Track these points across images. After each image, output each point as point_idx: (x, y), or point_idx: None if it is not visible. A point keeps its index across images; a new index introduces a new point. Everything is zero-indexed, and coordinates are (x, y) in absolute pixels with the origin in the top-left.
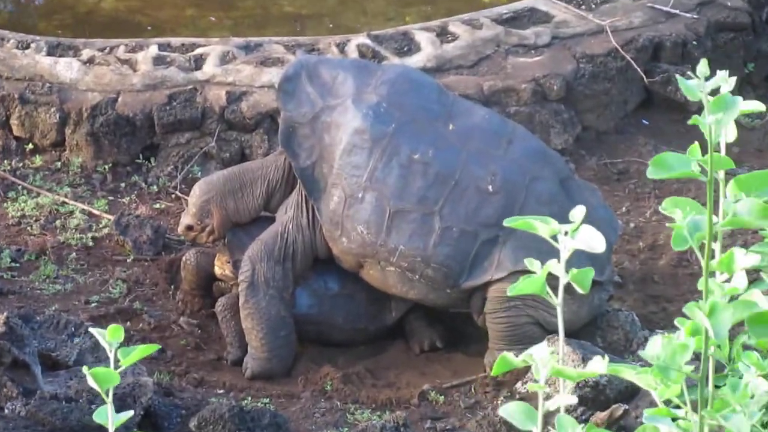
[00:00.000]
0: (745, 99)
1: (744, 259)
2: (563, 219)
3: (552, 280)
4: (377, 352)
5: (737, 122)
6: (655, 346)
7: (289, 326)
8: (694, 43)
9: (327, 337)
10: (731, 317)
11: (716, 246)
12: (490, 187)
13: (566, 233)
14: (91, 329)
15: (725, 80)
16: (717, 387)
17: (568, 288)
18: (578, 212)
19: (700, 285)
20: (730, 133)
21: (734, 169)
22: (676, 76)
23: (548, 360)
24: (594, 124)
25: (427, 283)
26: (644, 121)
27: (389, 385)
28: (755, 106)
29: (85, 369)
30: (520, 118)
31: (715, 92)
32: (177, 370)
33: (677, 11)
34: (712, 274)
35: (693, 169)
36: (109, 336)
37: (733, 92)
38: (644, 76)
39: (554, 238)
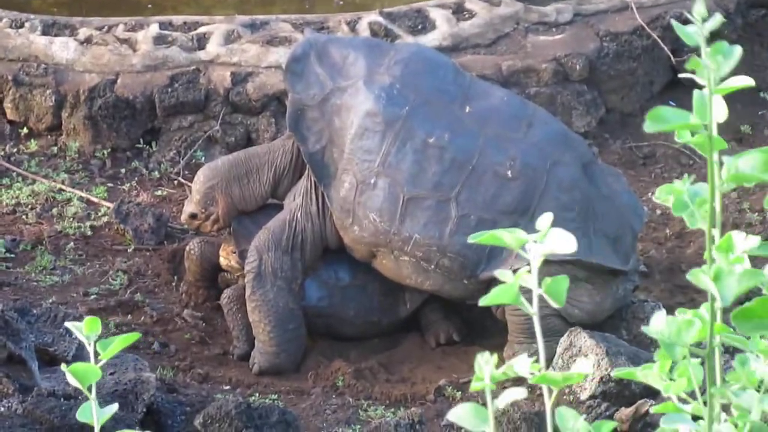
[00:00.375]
0: None
1: (744, 242)
2: (586, 205)
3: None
4: (391, 346)
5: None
6: (659, 321)
7: (298, 319)
8: (724, 20)
9: (338, 331)
10: (737, 283)
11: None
12: (509, 173)
13: (535, 241)
14: (67, 323)
15: (717, 22)
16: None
17: (590, 278)
18: (545, 220)
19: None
20: (720, 113)
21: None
22: (672, 21)
23: (529, 368)
24: (618, 105)
25: (443, 273)
26: (671, 103)
27: (404, 381)
28: (744, 81)
29: (63, 366)
30: (540, 99)
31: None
32: (181, 365)
33: None
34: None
35: (692, 120)
36: (87, 329)
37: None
38: (671, 56)
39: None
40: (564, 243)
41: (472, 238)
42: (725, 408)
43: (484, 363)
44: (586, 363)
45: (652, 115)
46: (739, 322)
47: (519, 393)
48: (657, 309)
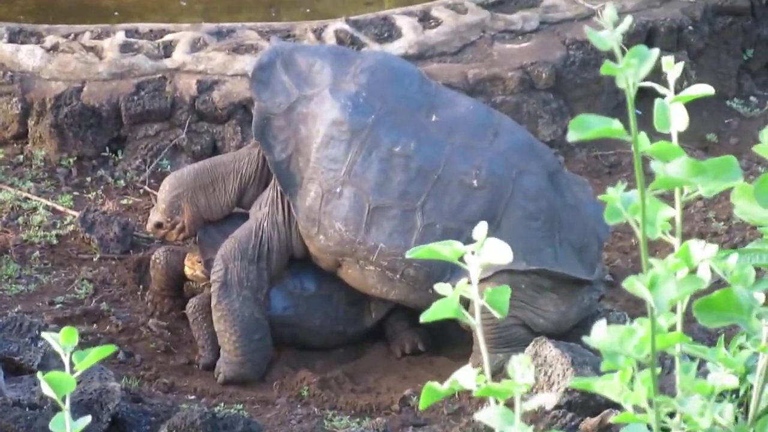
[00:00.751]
0: (743, 87)
1: (702, 251)
2: (552, 214)
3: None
4: (356, 356)
5: (735, 111)
6: (600, 331)
7: (264, 329)
8: (690, 28)
9: (303, 340)
10: (675, 289)
11: (677, 220)
12: (474, 182)
13: (472, 252)
14: (43, 333)
15: (630, 24)
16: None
17: (555, 287)
18: (481, 228)
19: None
20: (680, 121)
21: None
22: (585, 27)
23: (474, 381)
24: (585, 113)
25: (408, 282)
26: (637, 111)
27: (369, 390)
28: (704, 89)
29: (39, 375)
30: (506, 107)
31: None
32: (146, 374)
33: None
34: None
35: (614, 126)
36: (63, 340)
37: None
38: None
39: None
40: (500, 253)
41: (410, 254)
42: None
43: (518, 363)
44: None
45: (574, 123)
46: (700, 313)
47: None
48: (622, 318)
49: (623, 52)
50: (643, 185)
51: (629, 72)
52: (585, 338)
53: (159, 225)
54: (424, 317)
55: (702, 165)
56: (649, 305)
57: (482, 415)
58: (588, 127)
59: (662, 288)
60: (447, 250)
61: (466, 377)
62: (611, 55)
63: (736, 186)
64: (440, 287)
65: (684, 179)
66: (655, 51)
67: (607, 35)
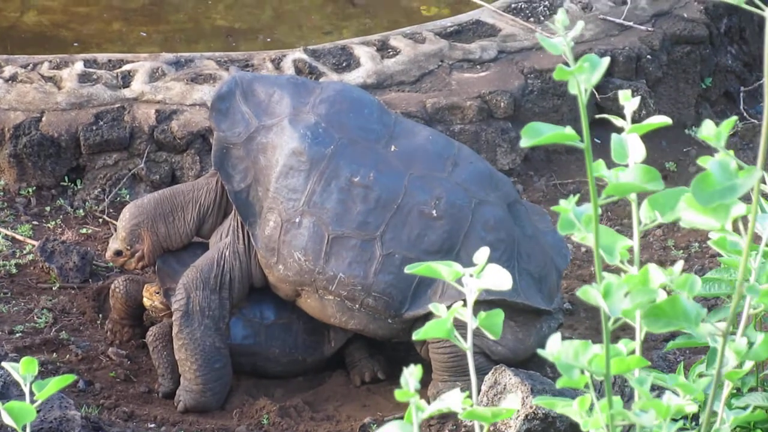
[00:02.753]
0: (701, 116)
1: (659, 275)
2: (511, 245)
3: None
4: (316, 384)
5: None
6: (555, 344)
7: (225, 358)
8: (649, 57)
9: (263, 369)
10: (629, 299)
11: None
12: (434, 212)
13: (471, 275)
14: (3, 363)
15: (582, 28)
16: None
17: (513, 315)
18: (482, 253)
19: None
20: (637, 153)
21: None
22: (536, 33)
23: (462, 404)
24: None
25: (367, 312)
26: (596, 140)
27: (329, 419)
28: (661, 120)
29: None
30: (465, 137)
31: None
32: (106, 403)
33: (631, 23)
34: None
35: (566, 131)
36: (23, 369)
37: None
38: (596, 93)
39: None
40: (500, 279)
41: (409, 269)
42: None
43: (409, 375)
44: (515, 399)
45: (526, 129)
46: (648, 320)
47: (452, 402)
48: None
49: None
50: (595, 193)
51: (581, 77)
52: (540, 351)
53: (118, 253)
54: (417, 336)
55: (655, 171)
56: (603, 313)
57: (384, 430)
58: (539, 133)
59: (615, 296)
60: (446, 270)
61: (453, 399)
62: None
63: (683, 198)
64: (435, 307)
65: (636, 185)
66: (606, 60)
67: (559, 41)
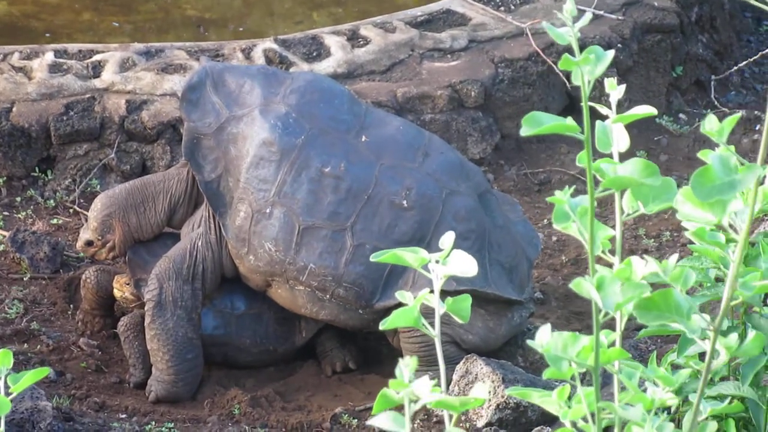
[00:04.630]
0: (672, 104)
1: (643, 267)
2: (482, 235)
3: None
4: (287, 374)
5: (665, 128)
6: (544, 335)
7: (197, 348)
8: (619, 45)
9: (234, 359)
10: (622, 292)
11: (617, 239)
12: (404, 203)
13: (437, 261)
14: None
15: (587, 20)
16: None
17: (483, 304)
18: (447, 238)
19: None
20: (621, 142)
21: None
22: (543, 23)
23: (428, 392)
24: (514, 132)
25: (338, 303)
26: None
27: (300, 408)
28: (646, 110)
29: None
30: (435, 126)
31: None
32: (77, 393)
33: (601, 12)
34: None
35: (567, 122)
36: None
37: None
38: (566, 81)
39: (425, 267)
40: (465, 265)
41: (374, 257)
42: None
43: (404, 366)
44: (483, 388)
45: (527, 119)
46: (640, 313)
47: (421, 393)
48: None
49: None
50: (592, 183)
51: (586, 68)
52: (529, 342)
53: (89, 243)
54: (384, 325)
55: (653, 165)
56: (594, 306)
57: (375, 421)
58: (540, 123)
59: (609, 289)
60: (412, 257)
61: (422, 387)
62: (541, 74)
63: (681, 191)
64: (401, 295)
65: (634, 179)
66: (611, 52)
67: (566, 31)
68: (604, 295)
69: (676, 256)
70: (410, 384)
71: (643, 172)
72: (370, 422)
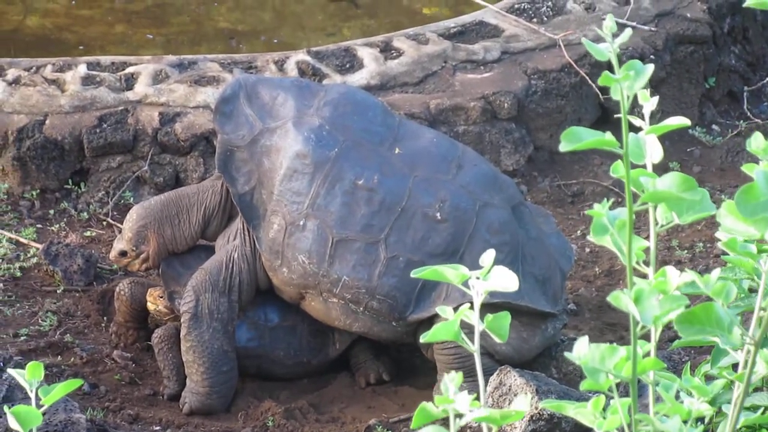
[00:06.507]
0: (705, 116)
1: (677, 277)
2: (515, 247)
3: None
4: (321, 386)
5: (698, 139)
6: (582, 347)
7: (232, 361)
8: (652, 57)
9: (268, 371)
10: (659, 305)
11: (651, 250)
12: (438, 215)
13: (478, 277)
14: (9, 370)
15: (627, 36)
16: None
17: (517, 315)
18: (488, 256)
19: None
20: (655, 153)
21: None
22: (582, 39)
23: (469, 407)
24: (547, 143)
25: (371, 315)
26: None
27: (334, 420)
28: (679, 121)
29: (6, 408)
30: (468, 137)
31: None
32: (111, 406)
33: (634, 23)
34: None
35: (606, 137)
36: (29, 374)
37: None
38: (599, 93)
39: (465, 284)
40: (506, 281)
41: (414, 273)
42: None
43: (450, 381)
44: (524, 401)
45: (566, 134)
46: (681, 327)
47: (460, 406)
48: None
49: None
50: (630, 197)
51: (625, 84)
52: (567, 353)
53: (123, 254)
54: (424, 338)
55: (692, 180)
56: (632, 319)
57: None
58: (579, 138)
59: (647, 303)
60: (452, 273)
61: (461, 401)
62: (574, 86)
63: (724, 204)
64: (442, 310)
65: (673, 193)
66: (650, 66)
67: (605, 47)
68: (642, 308)
69: (718, 270)
70: (455, 399)
71: (681, 186)
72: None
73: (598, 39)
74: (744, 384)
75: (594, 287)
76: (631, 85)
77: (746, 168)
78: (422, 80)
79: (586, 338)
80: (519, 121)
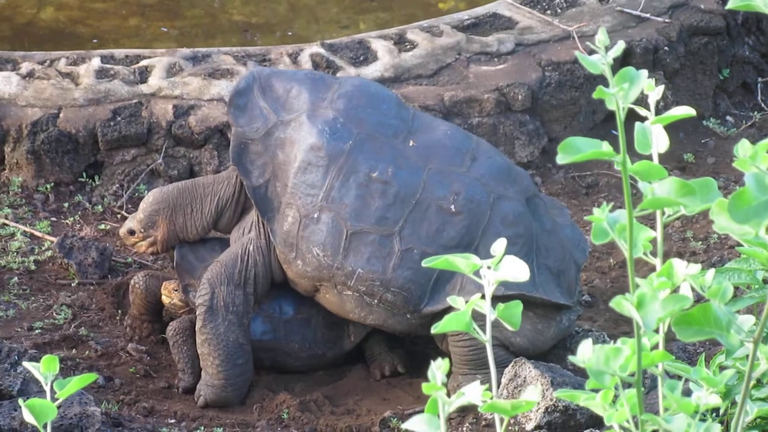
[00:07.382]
0: (719, 107)
1: (684, 268)
2: (530, 239)
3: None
4: (336, 378)
5: (712, 131)
6: (586, 350)
7: (247, 354)
8: (666, 48)
9: (283, 364)
10: (661, 308)
11: (658, 240)
12: (452, 207)
13: (488, 267)
14: (24, 363)
15: (620, 50)
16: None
17: (532, 307)
18: (499, 245)
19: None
20: (661, 143)
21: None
22: (575, 52)
23: (482, 397)
24: (561, 135)
25: (386, 307)
26: (614, 132)
27: (349, 413)
28: (685, 111)
29: (20, 401)
30: (483, 129)
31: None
32: (126, 399)
33: (648, 15)
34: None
35: (603, 148)
36: (44, 368)
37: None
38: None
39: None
40: (517, 271)
41: (426, 263)
42: None
43: (437, 369)
44: (535, 391)
45: (563, 146)
46: (679, 328)
47: (472, 395)
48: (602, 338)
49: None
50: (630, 206)
51: (620, 95)
52: (571, 357)
53: (131, 232)
54: (436, 329)
55: (690, 185)
56: (635, 324)
57: (410, 424)
58: (577, 150)
59: (649, 307)
60: (463, 263)
61: (473, 392)
62: (588, 77)
63: (715, 203)
64: (453, 300)
65: (672, 199)
66: (644, 72)
67: (598, 59)
68: (644, 313)
69: (713, 270)
70: (443, 386)
71: (679, 191)
72: (405, 425)
73: (612, 31)
74: (746, 379)
75: (609, 278)
76: (625, 95)
77: (737, 164)
78: (436, 72)
79: (589, 341)
80: (533, 112)
